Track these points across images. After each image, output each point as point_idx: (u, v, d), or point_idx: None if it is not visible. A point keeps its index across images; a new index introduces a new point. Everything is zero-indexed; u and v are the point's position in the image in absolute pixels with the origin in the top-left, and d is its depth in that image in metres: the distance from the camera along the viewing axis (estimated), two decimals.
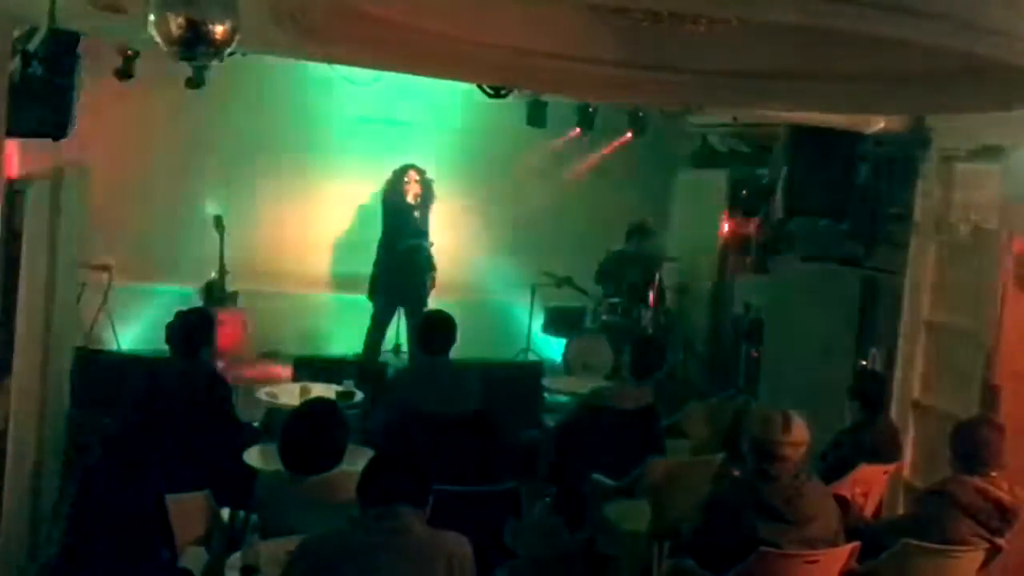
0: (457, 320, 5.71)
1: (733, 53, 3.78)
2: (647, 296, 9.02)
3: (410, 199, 8.57)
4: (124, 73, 7.12)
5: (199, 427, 5.03)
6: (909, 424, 6.38)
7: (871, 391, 5.49)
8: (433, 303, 8.34)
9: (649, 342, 6.04)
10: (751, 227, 8.90)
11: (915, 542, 4.19)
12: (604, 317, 9.15)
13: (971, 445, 4.34)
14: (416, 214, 8.62)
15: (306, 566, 3.27)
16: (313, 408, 4.59)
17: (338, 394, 6.18)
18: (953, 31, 2.61)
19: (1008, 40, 2.70)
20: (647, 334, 6.23)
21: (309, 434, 4.31)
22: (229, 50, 3.34)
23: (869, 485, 5.21)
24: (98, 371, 6.78)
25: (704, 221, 9.59)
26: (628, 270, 9.20)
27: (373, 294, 8.59)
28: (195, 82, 7.60)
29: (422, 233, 8.66)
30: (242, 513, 4.76)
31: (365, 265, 8.71)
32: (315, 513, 3.95)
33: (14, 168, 4.89)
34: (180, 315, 5.47)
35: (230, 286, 8.59)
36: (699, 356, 9.53)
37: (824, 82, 4.24)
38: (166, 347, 5.38)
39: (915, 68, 3.68)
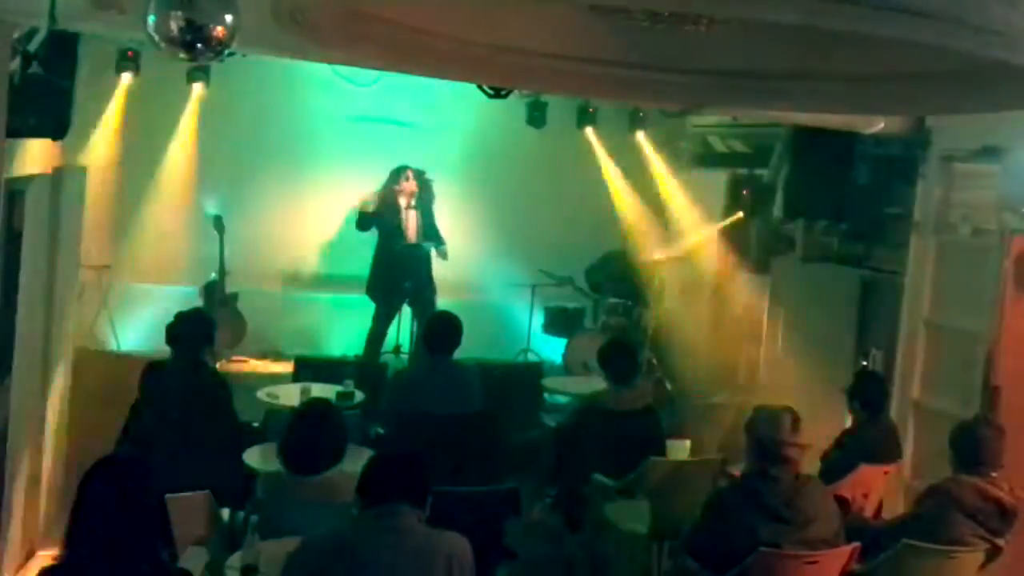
0: None
1: (733, 53, 3.78)
2: (647, 296, 9.04)
3: (402, 200, 8.54)
4: (125, 73, 7.11)
5: (199, 427, 5.04)
6: (909, 424, 6.38)
7: (871, 391, 5.49)
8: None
9: (617, 349, 6.00)
10: (751, 227, 8.89)
11: (915, 542, 4.19)
12: (604, 317, 9.15)
13: (971, 445, 4.34)
14: (413, 215, 8.59)
15: (306, 566, 3.27)
16: (311, 409, 4.60)
17: (338, 394, 6.18)
18: (953, 31, 2.61)
19: (1008, 40, 2.70)
20: (609, 343, 6.19)
21: (308, 435, 4.32)
22: (229, 50, 3.34)
23: (869, 485, 5.21)
24: (98, 371, 6.78)
25: (704, 221, 9.58)
26: (628, 270, 9.24)
27: (373, 292, 8.57)
28: (196, 81, 7.59)
29: (430, 231, 8.63)
30: (242, 513, 4.76)
31: (366, 266, 8.70)
32: (315, 513, 3.96)
33: (14, 168, 4.89)
34: (180, 316, 5.48)
35: (230, 286, 8.59)
36: (699, 356, 9.52)
37: (824, 82, 4.24)
38: (166, 347, 5.38)
39: (915, 68, 3.68)
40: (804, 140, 7.12)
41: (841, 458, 5.26)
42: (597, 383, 6.29)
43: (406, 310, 8.73)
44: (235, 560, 3.92)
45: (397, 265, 8.44)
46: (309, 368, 6.84)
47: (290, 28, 3.63)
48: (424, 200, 8.62)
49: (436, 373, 5.63)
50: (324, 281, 9.51)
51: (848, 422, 5.57)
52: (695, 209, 9.51)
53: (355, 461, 4.06)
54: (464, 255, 9.21)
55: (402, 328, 8.88)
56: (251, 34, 3.55)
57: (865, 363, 6.85)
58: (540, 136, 8.57)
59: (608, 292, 9.46)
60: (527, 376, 8.09)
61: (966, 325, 6.08)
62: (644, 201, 9.65)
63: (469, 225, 9.29)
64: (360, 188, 9.03)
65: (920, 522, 4.34)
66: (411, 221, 8.56)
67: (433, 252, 8.56)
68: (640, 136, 9.07)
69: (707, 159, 9.33)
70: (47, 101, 4.96)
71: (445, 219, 8.87)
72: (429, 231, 8.62)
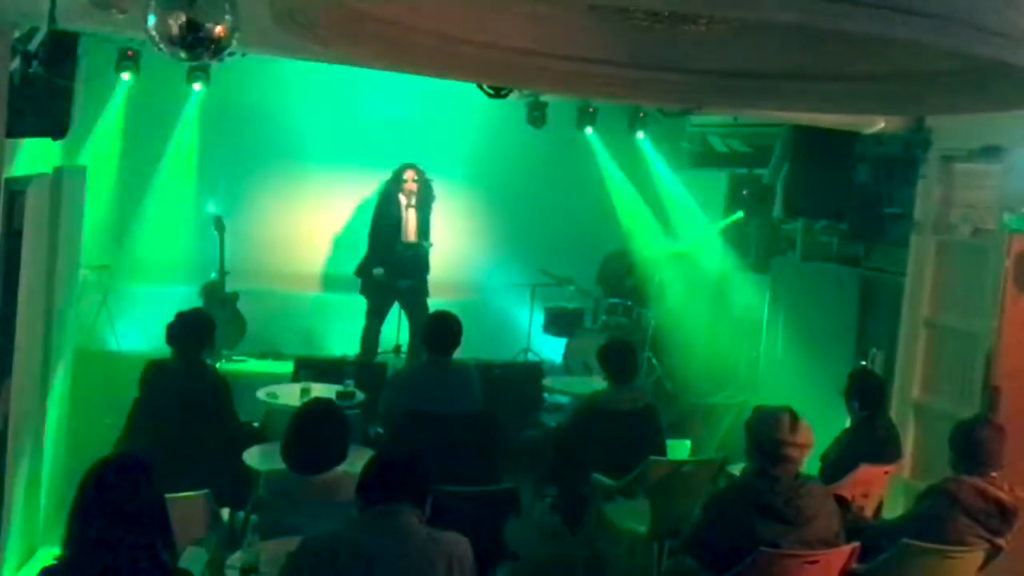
0: None
1: (733, 53, 3.78)
2: (647, 296, 9.05)
3: (403, 198, 8.53)
4: (125, 73, 7.11)
5: (199, 427, 5.04)
6: (909, 424, 6.38)
7: (868, 390, 5.49)
8: (433, 303, 8.33)
9: (617, 348, 5.99)
10: (751, 227, 8.90)
11: (915, 542, 4.19)
12: (604, 317, 9.16)
13: (971, 445, 4.34)
14: (413, 213, 8.58)
15: (306, 566, 3.27)
16: (315, 408, 4.59)
17: (338, 394, 6.18)
18: (953, 31, 2.61)
19: (1008, 40, 2.70)
20: (609, 342, 6.18)
21: (312, 434, 4.32)
22: (229, 50, 3.34)
23: (869, 485, 5.21)
24: (98, 371, 6.78)
25: (704, 221, 9.60)
26: (628, 271, 9.25)
27: (366, 289, 8.57)
28: (195, 81, 7.59)
29: (424, 232, 8.63)
30: (242, 513, 4.76)
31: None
32: (315, 513, 3.96)
33: (14, 168, 4.89)
34: (180, 316, 5.47)
35: (230, 286, 8.59)
36: (699, 356, 9.53)
37: (824, 82, 4.24)
38: (166, 347, 5.38)
39: (915, 68, 3.68)
40: (804, 140, 7.13)
41: (841, 458, 5.26)
42: (597, 383, 6.29)
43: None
44: (235, 560, 3.91)
45: (394, 263, 8.44)
46: (309, 368, 6.83)
47: (290, 28, 3.63)
48: (424, 200, 8.61)
49: (436, 373, 5.63)
50: (324, 281, 9.52)
51: (848, 422, 5.56)
52: (695, 209, 9.53)
53: (356, 461, 4.06)
54: (464, 255, 9.22)
55: (402, 328, 8.88)
56: (251, 34, 3.55)
57: (864, 362, 6.86)
58: (540, 136, 8.57)
59: (608, 292, 9.47)
60: (527, 376, 8.09)
61: (966, 325, 6.08)
62: (644, 201, 9.66)
63: (469, 225, 9.30)
64: (359, 187, 9.04)
65: (920, 522, 4.34)
66: (411, 220, 8.56)
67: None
68: (640, 136, 9.08)
69: (707, 159, 9.34)
70: (47, 101, 4.96)
71: (445, 219, 8.87)
72: (425, 230, 8.62)
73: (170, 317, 5.45)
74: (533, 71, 4.36)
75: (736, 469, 4.99)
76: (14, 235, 4.89)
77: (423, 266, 8.60)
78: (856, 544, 3.97)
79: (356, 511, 3.37)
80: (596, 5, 3.01)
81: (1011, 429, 4.53)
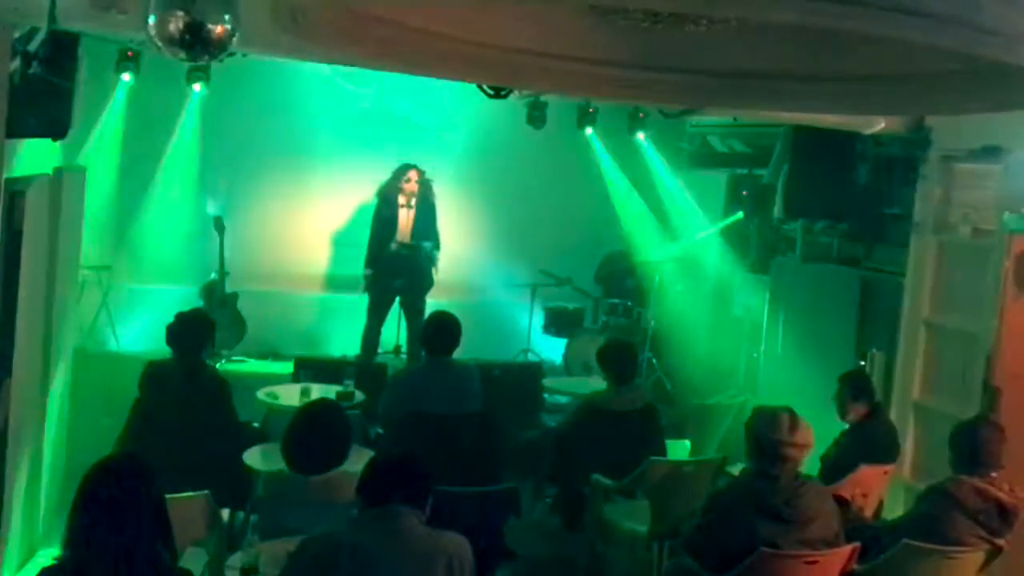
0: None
1: (733, 53, 3.78)
2: (647, 296, 9.04)
3: (402, 199, 8.52)
4: (125, 73, 7.11)
5: (199, 427, 5.04)
6: (909, 424, 6.38)
7: (858, 390, 5.48)
8: (433, 303, 8.33)
9: (617, 349, 5.98)
10: (751, 227, 8.90)
11: (915, 542, 4.19)
12: (604, 317, 9.16)
13: (971, 445, 4.34)
14: (411, 214, 8.56)
15: (305, 566, 3.27)
16: (317, 408, 4.60)
17: (338, 394, 6.18)
18: (953, 31, 2.61)
19: (1008, 40, 2.71)
20: (609, 343, 6.16)
21: (314, 434, 4.32)
22: (229, 50, 3.35)
23: (869, 485, 5.21)
24: (98, 371, 6.79)
25: (704, 221, 9.60)
26: (628, 271, 9.25)
27: (368, 287, 8.56)
28: (196, 81, 7.59)
29: (429, 232, 8.61)
30: (242, 513, 4.77)
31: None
32: (315, 513, 3.96)
33: (14, 168, 4.89)
34: (180, 316, 5.48)
35: (230, 286, 8.60)
36: (699, 356, 9.53)
37: (825, 82, 4.24)
38: (166, 347, 5.38)
39: (915, 68, 3.68)
40: (804, 140, 7.13)
41: (841, 458, 5.26)
42: (597, 383, 6.29)
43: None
44: (235, 560, 3.92)
45: (389, 263, 8.43)
46: (309, 368, 6.84)
47: (290, 28, 3.63)
48: (423, 201, 8.58)
49: (435, 373, 5.63)
50: (324, 281, 9.52)
51: (848, 422, 5.56)
52: (695, 209, 9.52)
53: (356, 461, 4.07)
54: (464, 255, 9.21)
55: (402, 328, 8.88)
56: (251, 34, 3.55)
57: (863, 363, 6.87)
58: (540, 136, 8.57)
59: (608, 292, 9.48)
60: (527, 376, 8.09)
61: (966, 325, 6.08)
62: (644, 201, 9.66)
63: (469, 225, 9.30)
64: (359, 188, 9.04)
65: (920, 522, 4.34)
66: (408, 220, 8.55)
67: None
68: (640, 136, 9.08)
69: (707, 159, 9.33)
70: (47, 101, 4.96)
71: (445, 219, 8.86)
72: (428, 232, 8.59)
73: (170, 317, 5.45)
74: (533, 71, 4.36)
75: (736, 469, 4.99)
76: (14, 235, 4.89)
77: (420, 267, 8.57)
78: (856, 544, 3.97)
79: (356, 511, 3.37)
80: (596, 5, 3.01)
81: (1011, 429, 4.53)
